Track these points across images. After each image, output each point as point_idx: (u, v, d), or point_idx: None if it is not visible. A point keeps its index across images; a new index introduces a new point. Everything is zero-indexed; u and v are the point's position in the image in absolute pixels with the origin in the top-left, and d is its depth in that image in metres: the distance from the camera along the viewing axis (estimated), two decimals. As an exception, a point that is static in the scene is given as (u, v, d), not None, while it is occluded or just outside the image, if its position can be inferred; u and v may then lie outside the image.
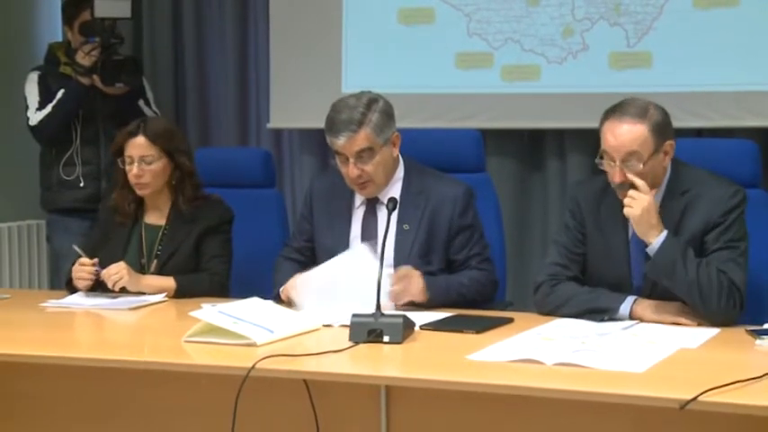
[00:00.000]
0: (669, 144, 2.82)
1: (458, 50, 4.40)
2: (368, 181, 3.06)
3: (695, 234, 2.81)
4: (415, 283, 2.94)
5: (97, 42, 4.06)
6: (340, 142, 3.02)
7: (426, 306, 2.95)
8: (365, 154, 3.03)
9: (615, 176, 2.78)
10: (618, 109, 2.81)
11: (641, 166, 2.76)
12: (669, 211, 2.83)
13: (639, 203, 2.74)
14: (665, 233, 2.75)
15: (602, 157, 2.81)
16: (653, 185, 2.82)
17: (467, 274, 3.08)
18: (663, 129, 2.80)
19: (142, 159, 3.30)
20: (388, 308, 2.75)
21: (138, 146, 3.31)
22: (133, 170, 3.30)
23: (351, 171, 3.04)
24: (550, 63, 4.29)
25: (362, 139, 3.02)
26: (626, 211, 2.77)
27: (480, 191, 3.35)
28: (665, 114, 2.83)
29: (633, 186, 2.77)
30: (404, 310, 2.83)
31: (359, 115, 3.01)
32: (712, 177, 2.88)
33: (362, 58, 4.53)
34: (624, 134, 2.76)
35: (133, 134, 3.32)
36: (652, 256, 2.75)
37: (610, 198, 2.90)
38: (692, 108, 4.08)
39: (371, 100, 3.06)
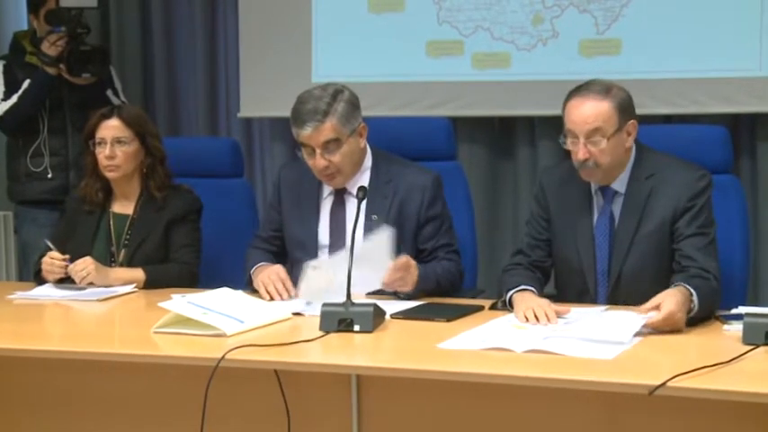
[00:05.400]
0: (632, 124, 2.85)
1: (428, 38, 4.40)
2: (335, 172, 3.05)
3: (664, 219, 2.83)
4: (412, 275, 2.92)
5: (63, 32, 4.01)
6: (306, 133, 3.01)
7: (411, 295, 2.93)
8: (331, 145, 3.01)
9: (579, 153, 2.80)
10: (581, 88, 2.85)
11: (605, 141, 2.78)
12: (634, 196, 2.85)
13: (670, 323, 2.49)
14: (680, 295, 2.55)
15: (565, 137, 2.83)
16: (615, 168, 2.84)
17: (440, 264, 3.08)
18: (626, 107, 2.83)
19: (116, 140, 3.29)
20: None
21: (112, 127, 3.30)
22: (105, 151, 3.28)
23: (317, 162, 3.02)
24: (520, 50, 4.29)
25: (328, 129, 3.00)
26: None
27: (451, 179, 3.35)
28: (628, 95, 2.86)
29: (597, 165, 2.78)
30: (374, 299, 2.82)
31: (324, 105, 3.00)
32: (677, 161, 2.90)
33: (332, 47, 4.51)
34: (588, 110, 2.79)
35: (107, 116, 3.33)
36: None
37: (576, 182, 2.92)
38: (661, 95, 4.10)
39: (337, 91, 3.05)
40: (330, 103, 3.00)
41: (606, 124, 2.78)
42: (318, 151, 3.01)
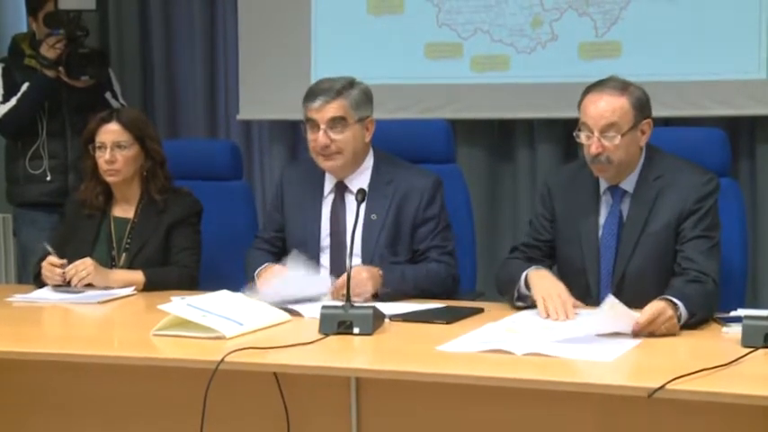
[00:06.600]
0: (647, 123, 2.86)
1: (427, 41, 4.40)
2: (334, 153, 3.05)
3: (670, 221, 2.83)
4: (365, 283, 2.91)
5: (62, 35, 4.01)
6: (315, 105, 3.04)
7: (381, 294, 2.92)
8: (337, 123, 3.04)
9: (592, 147, 2.81)
10: (599, 84, 2.87)
11: (619, 138, 2.79)
12: (643, 197, 2.86)
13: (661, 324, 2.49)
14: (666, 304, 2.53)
15: (580, 131, 2.84)
16: (627, 165, 2.85)
17: (425, 265, 3.08)
18: (642, 105, 2.85)
19: (116, 145, 3.29)
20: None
21: (112, 131, 3.30)
22: (105, 156, 3.28)
23: (320, 138, 3.03)
24: (520, 53, 4.29)
25: (338, 106, 3.04)
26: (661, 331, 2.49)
27: (450, 181, 3.35)
28: (645, 93, 2.88)
29: (609, 161, 2.79)
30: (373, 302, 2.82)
31: (339, 87, 3.07)
32: (686, 164, 2.91)
33: (332, 49, 4.51)
34: (605, 105, 2.80)
35: (106, 120, 3.33)
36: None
37: (582, 183, 2.93)
38: (660, 97, 4.04)
39: (354, 81, 3.12)
40: (345, 87, 3.07)
41: (622, 120, 2.80)
42: (323, 127, 3.03)
